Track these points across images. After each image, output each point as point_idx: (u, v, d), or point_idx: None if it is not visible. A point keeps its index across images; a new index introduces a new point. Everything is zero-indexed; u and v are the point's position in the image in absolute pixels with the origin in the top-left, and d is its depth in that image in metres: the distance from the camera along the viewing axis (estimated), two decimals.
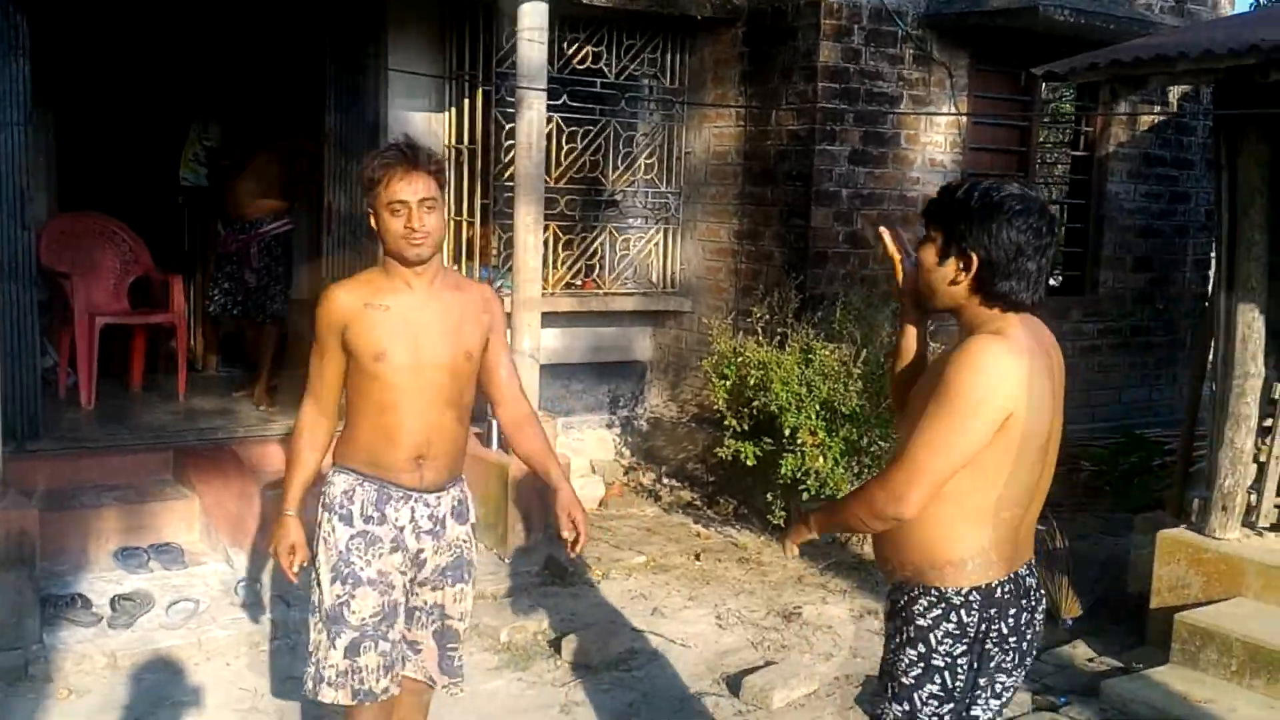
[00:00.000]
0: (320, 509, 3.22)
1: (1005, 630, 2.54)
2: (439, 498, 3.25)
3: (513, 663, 4.96)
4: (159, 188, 8.64)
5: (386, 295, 3.12)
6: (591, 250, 7.58)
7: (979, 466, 2.46)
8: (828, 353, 6.23)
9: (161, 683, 4.60)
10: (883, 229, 2.82)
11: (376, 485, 3.17)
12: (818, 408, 6.14)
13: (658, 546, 6.50)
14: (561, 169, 7.27)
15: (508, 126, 6.66)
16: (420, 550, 3.23)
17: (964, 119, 7.65)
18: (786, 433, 6.19)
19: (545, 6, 6.02)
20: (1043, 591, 2.70)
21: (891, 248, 2.76)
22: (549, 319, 6.95)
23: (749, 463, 6.38)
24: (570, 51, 7.22)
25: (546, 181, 6.93)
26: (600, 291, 7.61)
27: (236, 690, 4.57)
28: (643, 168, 7.65)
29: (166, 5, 7.25)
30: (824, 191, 7.11)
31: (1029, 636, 2.61)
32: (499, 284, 6.97)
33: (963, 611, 2.53)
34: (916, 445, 2.44)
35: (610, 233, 7.59)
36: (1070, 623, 5.51)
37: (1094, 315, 8.53)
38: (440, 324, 3.17)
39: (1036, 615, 2.63)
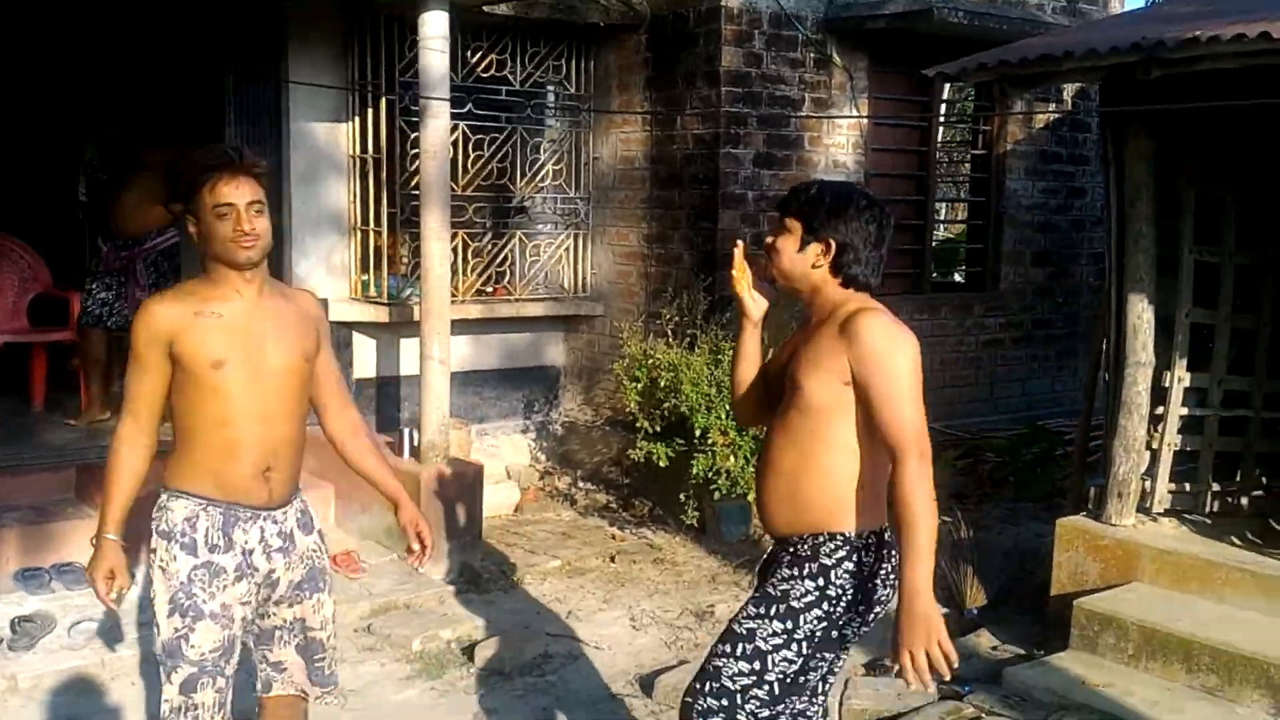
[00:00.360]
0: (156, 536, 3.03)
1: (889, 570, 2.90)
2: (285, 513, 3.14)
3: (425, 672, 4.95)
4: (57, 203, 8.48)
5: (216, 303, 2.99)
6: (501, 257, 7.59)
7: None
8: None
9: (65, 704, 4.52)
10: (738, 242, 3.22)
11: (221, 509, 3.01)
12: (727, 408, 6.21)
13: (573, 550, 6.52)
14: (469, 177, 7.27)
15: (412, 135, 6.65)
16: (272, 570, 3.10)
17: (865, 121, 7.78)
18: (698, 433, 6.25)
19: (446, 15, 6.02)
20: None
21: (741, 261, 3.14)
22: (461, 326, 6.95)
23: (662, 464, 6.43)
24: (474, 60, 7.22)
25: (454, 189, 6.93)
26: (511, 298, 7.62)
27: (142, 710, 4.51)
28: (551, 174, 7.68)
29: (63, 19, 7.13)
30: (730, 194, 7.19)
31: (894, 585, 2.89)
32: (408, 292, 6.96)
33: (861, 552, 2.89)
34: (905, 410, 2.75)
35: (520, 239, 7.61)
36: (975, 612, 5.64)
37: (996, 310, 8.72)
38: (276, 329, 3.06)
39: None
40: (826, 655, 2.94)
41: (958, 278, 10.17)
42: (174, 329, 2.96)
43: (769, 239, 2.97)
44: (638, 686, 4.89)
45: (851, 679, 4.78)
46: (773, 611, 2.91)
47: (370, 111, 6.97)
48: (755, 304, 3.13)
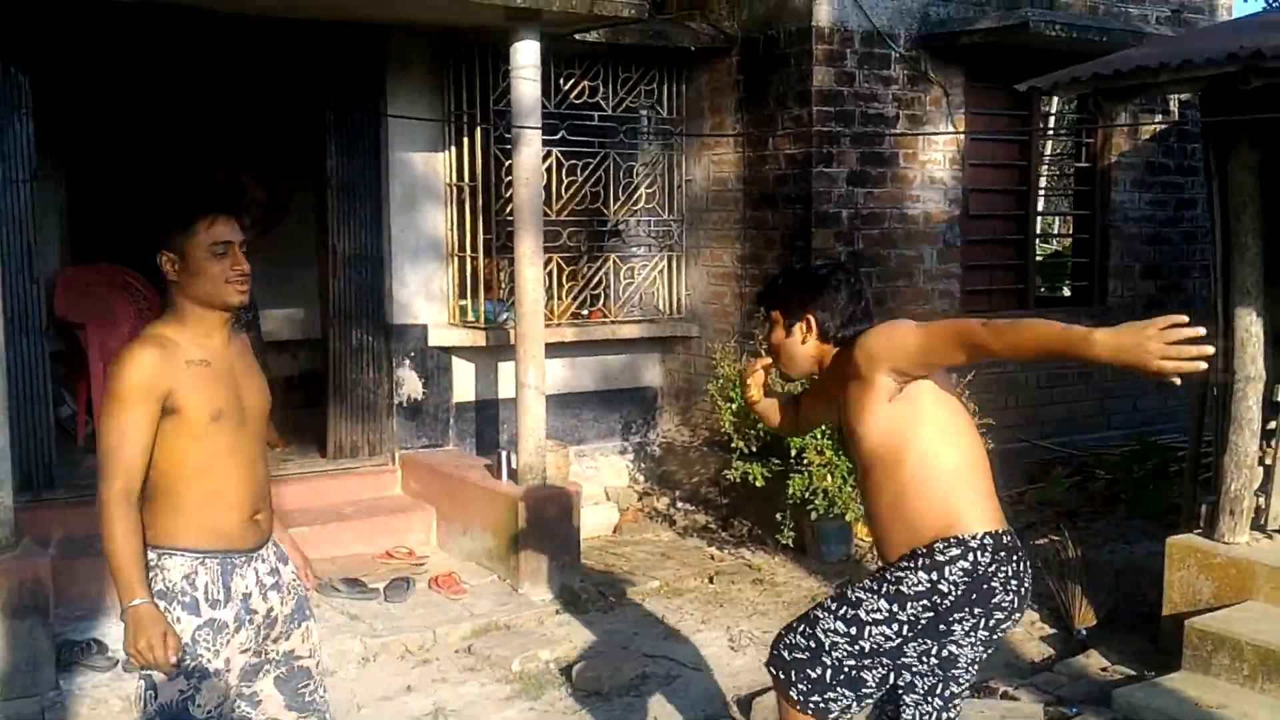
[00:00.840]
0: (154, 598, 2.87)
1: (1009, 574, 3.01)
2: (268, 549, 3.10)
3: (524, 692, 4.98)
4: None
5: (197, 350, 2.91)
6: (596, 280, 7.65)
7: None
8: None
9: None
10: (752, 362, 3.66)
11: (218, 559, 2.92)
12: (823, 427, 6.15)
13: (672, 570, 6.52)
14: (563, 202, 7.35)
15: (507, 163, 6.74)
16: (270, 609, 3.05)
17: (962, 137, 7.69)
18: (793, 453, 6.21)
19: (537, 45, 6.11)
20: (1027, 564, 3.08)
21: (753, 371, 3.60)
22: (557, 349, 7.02)
23: (758, 484, 6.41)
24: (567, 87, 7.31)
25: (548, 214, 7.03)
26: (607, 320, 7.67)
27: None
28: (644, 197, 7.73)
29: (171, 55, 7.38)
30: (823, 213, 7.15)
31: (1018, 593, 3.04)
32: (505, 316, 7.05)
33: (977, 552, 2.99)
34: (934, 326, 2.98)
35: (614, 262, 7.66)
36: (1084, 633, 5.49)
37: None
38: (247, 372, 3.06)
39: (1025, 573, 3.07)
40: (928, 640, 3.02)
41: (1066, 292, 9.94)
42: (168, 380, 2.84)
43: (764, 346, 3.32)
44: (735, 708, 4.86)
45: None
46: (883, 590, 3.05)
47: (466, 140, 7.10)
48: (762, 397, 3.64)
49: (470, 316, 7.18)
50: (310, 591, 3.29)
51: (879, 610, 3.03)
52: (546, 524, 6.05)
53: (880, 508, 3.09)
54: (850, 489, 6.12)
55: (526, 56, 6.10)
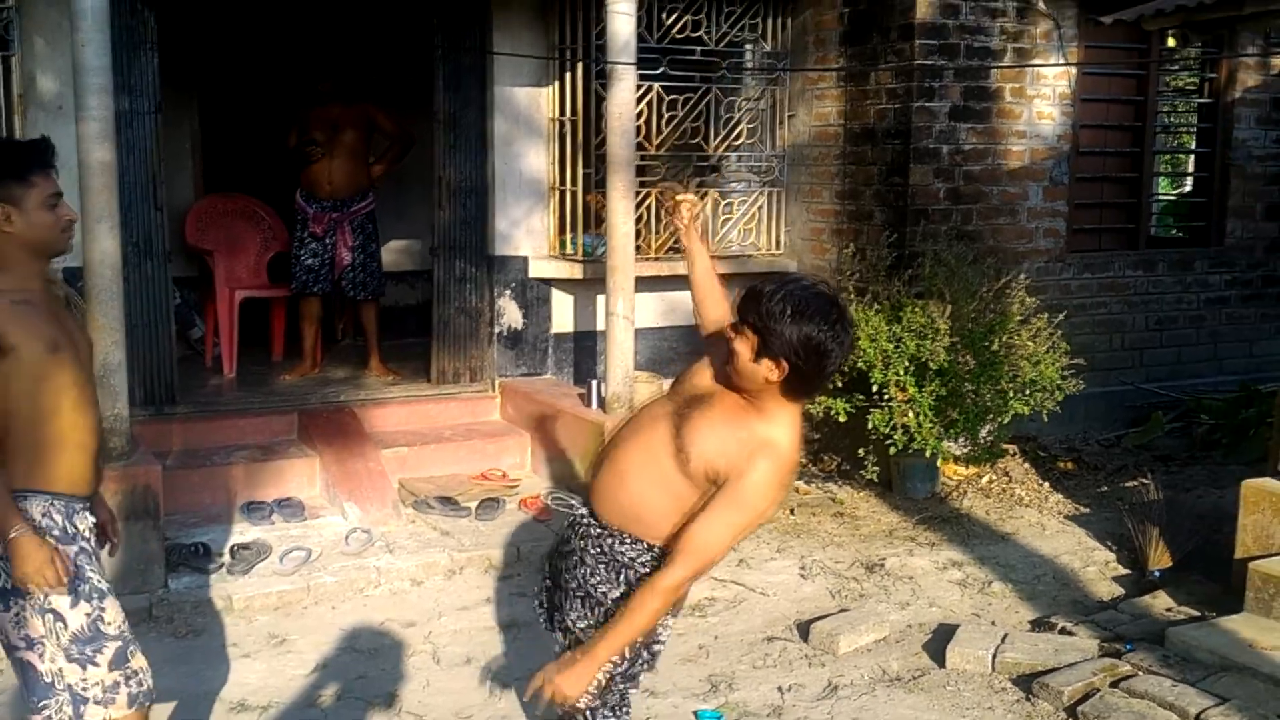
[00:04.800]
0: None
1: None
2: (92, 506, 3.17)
3: None
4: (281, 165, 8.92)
5: (23, 292, 2.95)
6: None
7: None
8: (916, 310, 6.27)
9: (270, 624, 5.02)
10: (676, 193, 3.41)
11: (63, 501, 3.01)
12: (906, 363, 6.20)
13: None
14: (662, 136, 7.45)
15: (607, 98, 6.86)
16: (101, 554, 3.18)
17: (1073, 71, 7.52)
18: (874, 388, 6.27)
19: None
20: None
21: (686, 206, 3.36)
22: (652, 283, 7.16)
23: (840, 419, 6.48)
24: (670, 21, 7.38)
25: (646, 149, 7.15)
26: None
27: (336, 631, 4.95)
28: (745, 133, 7.76)
29: None
30: (923, 149, 7.11)
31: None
32: (602, 250, 7.20)
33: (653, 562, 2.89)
34: (715, 530, 2.76)
35: (713, 198, 7.74)
36: (1157, 574, 5.47)
37: (1221, 266, 8.30)
38: (68, 317, 3.13)
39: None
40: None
41: (1176, 233, 9.66)
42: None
43: (730, 334, 2.76)
44: (795, 631, 5.01)
45: (1010, 633, 4.76)
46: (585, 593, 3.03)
47: (568, 76, 7.24)
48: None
49: (569, 249, 7.37)
50: (107, 551, 3.30)
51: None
52: None
53: (634, 482, 2.88)
54: (930, 424, 6.16)
55: None
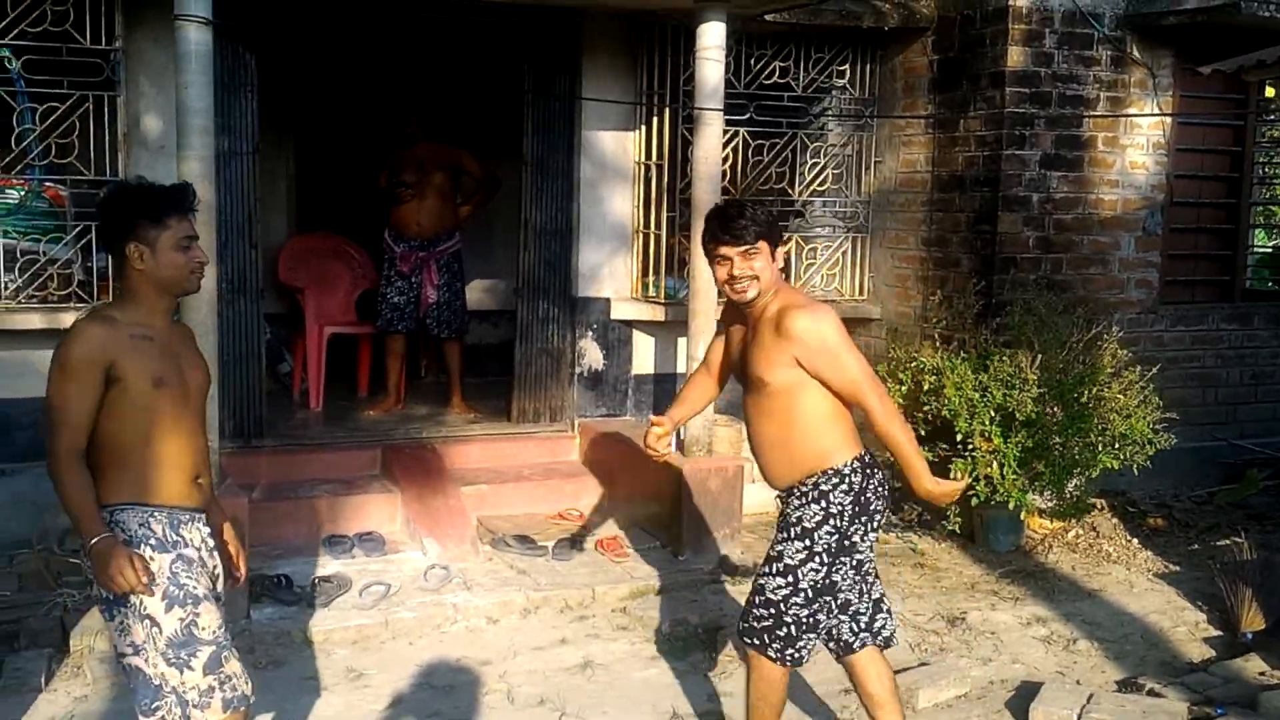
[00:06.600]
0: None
1: (876, 484, 3.76)
2: (204, 518, 3.36)
3: (670, 653, 5.18)
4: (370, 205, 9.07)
5: (144, 327, 3.19)
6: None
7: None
8: (1003, 360, 6.18)
9: (348, 657, 5.06)
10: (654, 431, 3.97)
11: (165, 512, 3.20)
12: (991, 413, 6.11)
13: None
14: (747, 181, 7.47)
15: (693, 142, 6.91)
16: (215, 566, 3.36)
17: (1168, 120, 7.41)
18: (959, 437, 6.18)
19: (723, 26, 6.25)
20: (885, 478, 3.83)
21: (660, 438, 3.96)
22: None
23: None
24: (757, 67, 7.42)
25: (731, 193, 7.16)
26: None
27: (412, 666, 4.98)
28: (830, 178, 7.76)
29: (386, 40, 7.85)
30: (1012, 197, 7.04)
31: (885, 495, 3.82)
32: (684, 293, 7.22)
33: (850, 477, 3.69)
34: (863, 376, 3.65)
35: (797, 242, 7.73)
36: (1250, 636, 5.30)
37: None
38: (189, 351, 3.37)
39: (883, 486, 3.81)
40: (843, 560, 3.71)
41: (1273, 286, 9.41)
42: (113, 350, 3.12)
43: (742, 269, 3.61)
44: None
45: (1096, 693, 4.63)
46: (792, 534, 3.71)
47: (654, 120, 7.30)
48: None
49: (652, 292, 7.40)
50: (236, 585, 3.62)
51: (799, 551, 3.67)
52: (709, 496, 6.23)
53: (766, 436, 3.76)
54: (1014, 476, 6.06)
55: (712, 38, 6.25)
